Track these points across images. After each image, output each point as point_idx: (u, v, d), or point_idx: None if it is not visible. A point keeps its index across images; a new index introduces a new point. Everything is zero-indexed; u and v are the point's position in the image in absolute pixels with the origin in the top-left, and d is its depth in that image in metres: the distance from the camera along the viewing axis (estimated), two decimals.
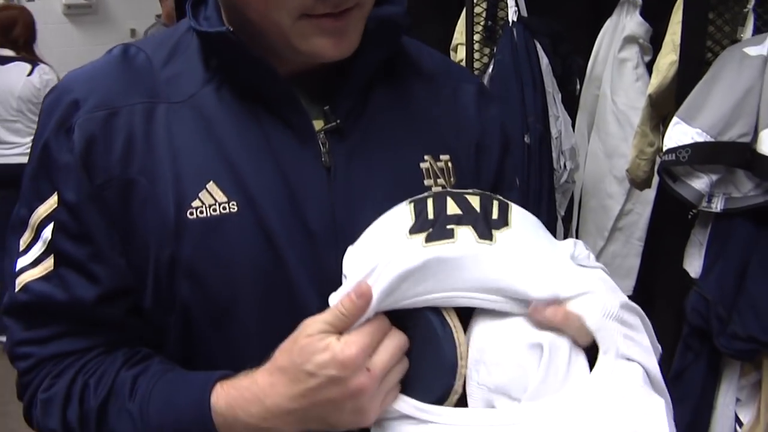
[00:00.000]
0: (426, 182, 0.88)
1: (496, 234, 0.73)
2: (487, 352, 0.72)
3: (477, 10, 2.28)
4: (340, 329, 0.71)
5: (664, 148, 1.53)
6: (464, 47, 2.32)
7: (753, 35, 1.57)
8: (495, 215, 0.75)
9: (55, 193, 0.80)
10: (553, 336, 0.71)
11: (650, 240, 2.35)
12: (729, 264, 1.53)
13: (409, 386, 0.74)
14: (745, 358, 1.54)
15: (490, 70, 2.25)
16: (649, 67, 2.23)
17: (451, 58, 2.39)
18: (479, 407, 0.72)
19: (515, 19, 2.15)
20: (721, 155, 1.48)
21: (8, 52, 3.93)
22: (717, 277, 1.55)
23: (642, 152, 1.88)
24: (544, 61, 2.16)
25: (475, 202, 0.76)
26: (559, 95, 2.25)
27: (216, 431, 0.76)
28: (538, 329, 0.71)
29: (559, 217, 2.35)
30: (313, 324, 0.72)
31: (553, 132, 2.16)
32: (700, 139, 1.48)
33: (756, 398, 1.59)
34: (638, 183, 1.95)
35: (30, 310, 0.84)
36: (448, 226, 0.73)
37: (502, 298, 0.72)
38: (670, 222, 2.00)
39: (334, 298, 0.74)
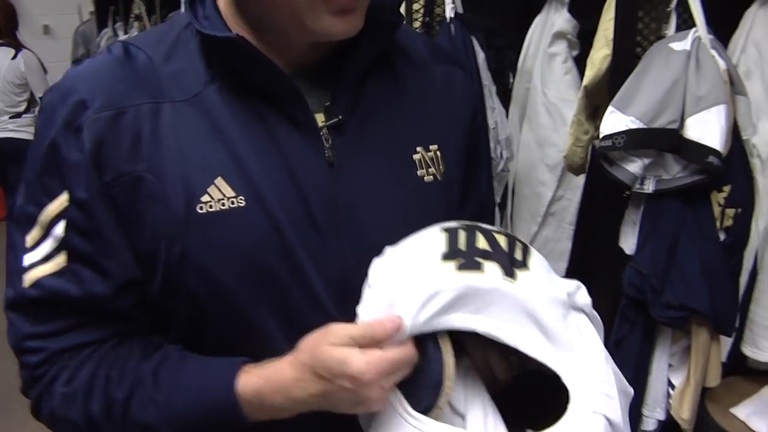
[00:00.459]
0: (419, 172, 0.93)
1: (518, 273, 0.79)
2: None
3: (415, 6, 2.36)
4: (365, 347, 0.76)
5: (601, 135, 1.65)
6: None
7: (675, 32, 1.71)
8: (518, 256, 0.81)
9: (66, 191, 0.82)
10: None
11: (582, 222, 2.48)
12: (661, 240, 1.66)
13: (403, 389, 0.80)
14: (677, 325, 1.68)
15: None
16: (577, 61, 2.38)
17: None
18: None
19: (452, 16, 2.24)
20: (652, 140, 1.60)
21: None
22: (650, 252, 1.68)
23: (578, 140, 2.00)
24: (480, 55, 2.25)
25: (502, 241, 0.82)
26: (494, 88, 2.35)
27: (244, 415, 0.81)
28: None
29: (496, 204, 2.46)
30: (339, 333, 0.77)
31: (490, 123, 2.26)
32: (634, 126, 1.60)
33: (686, 363, 1.74)
34: (575, 168, 2.08)
35: (40, 305, 0.85)
36: (477, 258, 0.79)
37: (516, 335, 0.78)
38: (601, 205, 2.15)
39: (364, 313, 0.79)
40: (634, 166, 1.65)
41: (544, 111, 2.42)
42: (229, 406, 0.81)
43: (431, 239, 0.83)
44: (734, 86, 1.64)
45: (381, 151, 0.91)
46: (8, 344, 0.89)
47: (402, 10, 2.40)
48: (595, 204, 2.40)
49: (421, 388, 0.79)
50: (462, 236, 0.82)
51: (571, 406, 0.77)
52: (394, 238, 0.86)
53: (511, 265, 0.80)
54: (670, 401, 1.76)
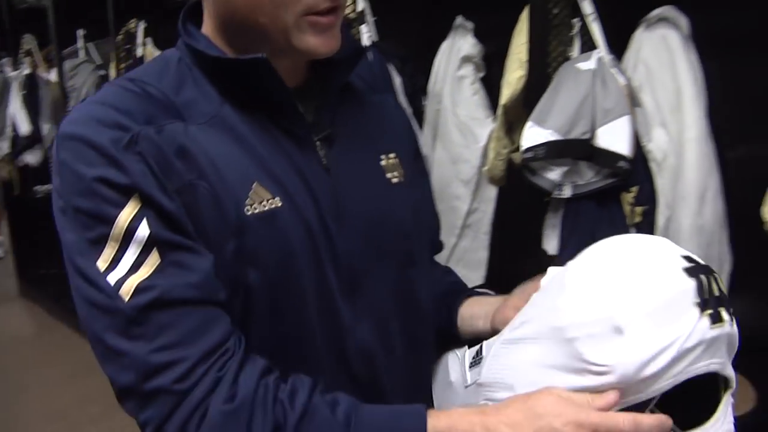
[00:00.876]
0: (387, 175, 1.07)
1: (725, 317, 0.82)
2: None
3: None
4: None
5: (523, 148, 1.85)
6: None
7: (580, 54, 1.93)
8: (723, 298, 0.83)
9: (135, 194, 0.83)
10: None
11: (497, 231, 2.68)
12: (580, 238, 1.86)
13: None
14: None
15: None
16: (483, 81, 2.58)
17: None
18: None
19: (370, 44, 2.40)
20: (569, 150, 1.81)
21: None
22: (571, 250, 1.84)
23: (499, 153, 2.19)
24: (397, 80, 2.43)
25: (720, 284, 0.83)
26: (410, 111, 2.53)
27: None
28: None
29: None
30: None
31: None
32: (552, 138, 1.81)
33: None
34: (496, 180, 2.27)
35: (154, 312, 0.81)
36: (719, 309, 0.81)
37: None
38: (514, 213, 2.35)
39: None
40: (554, 174, 1.86)
41: (456, 130, 2.61)
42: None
43: (665, 273, 0.83)
44: (633, 99, 1.87)
45: (361, 159, 1.05)
46: (120, 387, 0.82)
47: None
48: (508, 213, 2.61)
49: None
50: (709, 281, 0.82)
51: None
52: (378, 232, 1.01)
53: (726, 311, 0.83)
54: None
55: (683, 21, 2.02)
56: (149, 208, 0.84)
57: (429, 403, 1.15)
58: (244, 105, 0.95)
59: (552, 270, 1.00)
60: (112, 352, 0.82)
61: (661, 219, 2.03)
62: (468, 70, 2.56)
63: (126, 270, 0.82)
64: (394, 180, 1.08)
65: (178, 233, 0.85)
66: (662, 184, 2.01)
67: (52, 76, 4.30)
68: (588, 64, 1.84)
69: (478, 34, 2.54)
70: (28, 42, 4.47)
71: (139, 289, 0.81)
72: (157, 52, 3.45)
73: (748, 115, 2.09)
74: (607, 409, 0.81)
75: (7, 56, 4.76)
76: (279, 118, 0.96)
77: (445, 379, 1.15)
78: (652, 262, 0.85)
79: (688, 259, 0.85)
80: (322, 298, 0.96)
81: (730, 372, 0.86)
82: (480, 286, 1.49)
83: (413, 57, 2.60)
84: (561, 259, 1.88)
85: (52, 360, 4.30)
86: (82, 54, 4.21)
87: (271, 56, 0.92)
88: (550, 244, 1.94)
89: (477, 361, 1.05)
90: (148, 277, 0.82)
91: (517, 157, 2.05)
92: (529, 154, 1.82)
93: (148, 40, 3.48)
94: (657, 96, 2.03)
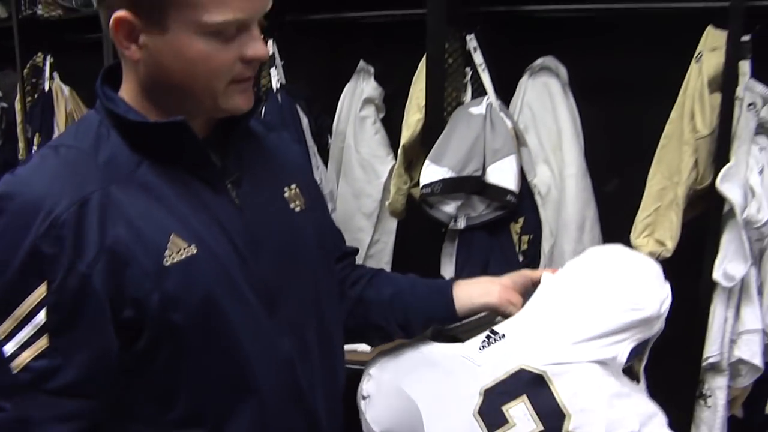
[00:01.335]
0: (291, 205, 1.20)
1: None
2: None
3: None
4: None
5: (421, 184, 2.03)
6: None
7: (472, 99, 2.14)
8: None
9: (45, 282, 0.95)
10: None
11: (397, 261, 2.84)
12: (474, 266, 2.06)
13: None
14: None
15: None
16: (383, 122, 2.73)
17: None
18: None
19: (278, 86, 2.53)
20: (462, 186, 2.00)
21: None
22: (466, 276, 2.05)
23: (399, 189, 2.35)
24: (304, 120, 2.56)
25: None
26: (315, 149, 2.67)
27: None
28: None
29: None
30: None
31: (317, 178, 2.56)
32: (448, 175, 1.99)
33: None
34: (397, 213, 2.43)
35: (28, 391, 0.97)
36: None
37: None
38: (413, 244, 2.53)
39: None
40: (449, 208, 2.04)
41: (359, 166, 2.74)
42: None
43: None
44: (519, 140, 2.09)
45: (266, 194, 1.17)
46: None
47: None
48: (408, 244, 2.77)
49: None
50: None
51: None
52: (287, 255, 1.15)
53: None
54: None
55: (563, 70, 2.26)
56: (52, 296, 0.95)
57: (341, 402, 1.28)
58: (162, 162, 1.05)
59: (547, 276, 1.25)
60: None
61: (546, 246, 2.24)
62: (370, 111, 2.70)
63: (18, 345, 0.96)
64: (297, 209, 1.21)
65: (73, 318, 0.97)
66: (546, 215, 2.23)
67: None
68: (479, 109, 2.05)
69: (379, 78, 2.70)
70: None
71: (26, 367, 0.96)
72: (64, 87, 3.47)
73: (621, 153, 2.34)
74: None
75: None
76: (194, 169, 1.07)
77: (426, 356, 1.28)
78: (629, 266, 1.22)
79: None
80: (247, 319, 1.08)
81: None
82: None
83: (319, 98, 2.74)
84: None
85: None
86: None
87: (189, 115, 1.03)
88: (447, 271, 2.12)
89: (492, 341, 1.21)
90: (34, 358, 0.96)
91: (416, 192, 2.22)
92: (426, 190, 2.00)
93: (55, 74, 3.48)
94: (540, 136, 2.26)
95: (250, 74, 1.05)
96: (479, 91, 2.16)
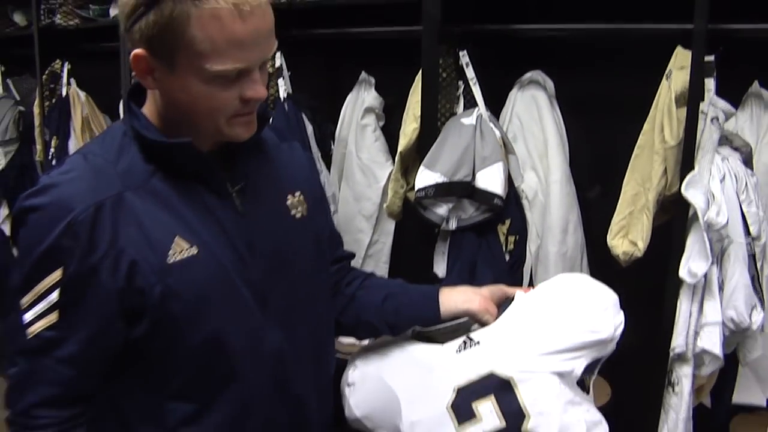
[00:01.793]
0: (292, 212, 1.30)
1: None
2: None
3: None
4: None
5: (416, 188, 2.18)
6: None
7: (464, 110, 2.31)
8: None
9: (60, 268, 1.08)
10: None
11: (395, 260, 3.00)
12: (464, 264, 2.21)
13: None
14: None
15: None
16: (383, 130, 2.90)
17: None
18: None
19: (285, 96, 2.71)
20: (454, 190, 2.15)
21: None
22: (457, 273, 2.22)
23: (396, 192, 2.52)
24: (309, 128, 2.73)
25: None
26: (319, 154, 2.83)
27: None
28: None
29: None
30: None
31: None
32: (440, 180, 2.15)
33: None
34: (394, 215, 2.60)
35: (36, 355, 1.12)
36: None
37: None
38: (409, 244, 2.69)
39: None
40: (442, 210, 2.20)
41: (359, 171, 2.91)
42: None
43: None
44: (507, 148, 2.26)
45: (268, 201, 1.27)
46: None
47: None
48: (404, 244, 2.93)
49: None
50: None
51: None
52: (281, 257, 1.25)
53: None
54: None
55: (550, 83, 2.44)
56: (66, 279, 1.10)
57: (331, 393, 1.41)
58: (172, 172, 1.16)
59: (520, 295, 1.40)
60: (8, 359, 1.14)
61: (532, 247, 2.42)
62: (370, 119, 2.87)
63: (35, 315, 1.11)
64: (298, 215, 1.31)
65: (79, 300, 1.11)
66: (533, 218, 2.41)
67: None
68: (470, 119, 2.21)
69: (380, 88, 2.87)
70: None
71: (38, 335, 1.11)
72: (80, 92, 3.63)
73: (602, 161, 2.50)
74: None
75: None
76: (201, 180, 1.19)
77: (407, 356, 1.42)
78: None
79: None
80: (238, 314, 1.19)
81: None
82: None
83: (323, 107, 2.90)
84: (448, 282, 2.22)
85: None
86: (0, 89, 4.29)
87: (197, 135, 1.15)
88: (439, 268, 2.28)
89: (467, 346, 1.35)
90: (45, 329, 1.11)
91: (411, 196, 2.37)
92: (421, 193, 2.17)
93: (72, 80, 3.64)
94: (528, 144, 2.43)
95: (250, 110, 1.15)
96: (471, 103, 2.32)
